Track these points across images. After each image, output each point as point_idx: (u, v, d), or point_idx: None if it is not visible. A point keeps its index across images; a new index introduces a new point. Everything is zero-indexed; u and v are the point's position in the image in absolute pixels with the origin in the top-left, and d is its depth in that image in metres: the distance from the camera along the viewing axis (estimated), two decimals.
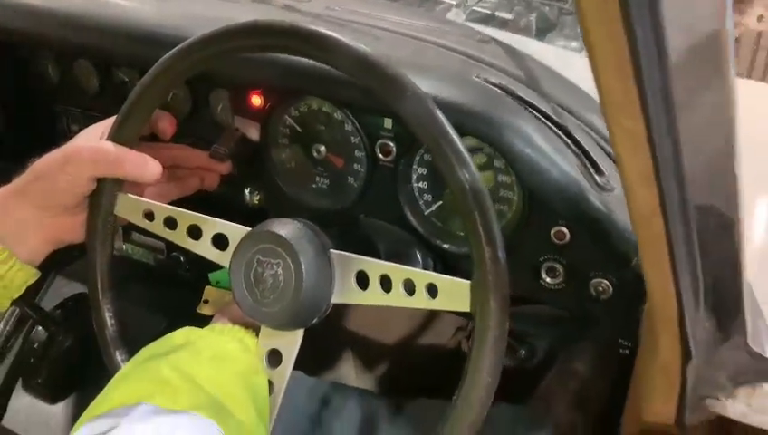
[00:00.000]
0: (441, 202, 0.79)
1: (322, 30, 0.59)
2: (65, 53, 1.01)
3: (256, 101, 0.84)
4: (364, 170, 0.82)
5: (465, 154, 0.56)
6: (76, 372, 1.04)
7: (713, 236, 0.43)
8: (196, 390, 0.60)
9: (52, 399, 1.02)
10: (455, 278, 0.59)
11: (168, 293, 1.12)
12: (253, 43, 0.63)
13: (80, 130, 1.06)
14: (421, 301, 0.61)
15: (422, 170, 0.79)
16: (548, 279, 0.75)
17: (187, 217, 0.73)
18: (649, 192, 0.40)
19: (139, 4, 0.97)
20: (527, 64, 0.86)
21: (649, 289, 0.47)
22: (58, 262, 1.11)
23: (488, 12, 1.27)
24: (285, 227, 0.67)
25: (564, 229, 0.72)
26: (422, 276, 0.61)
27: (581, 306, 0.75)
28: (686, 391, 0.49)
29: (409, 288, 0.62)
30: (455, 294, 0.59)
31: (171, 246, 1.11)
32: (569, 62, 0.91)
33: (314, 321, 0.68)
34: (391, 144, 0.78)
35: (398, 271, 0.63)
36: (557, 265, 0.74)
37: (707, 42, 0.36)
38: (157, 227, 0.74)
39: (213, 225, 0.72)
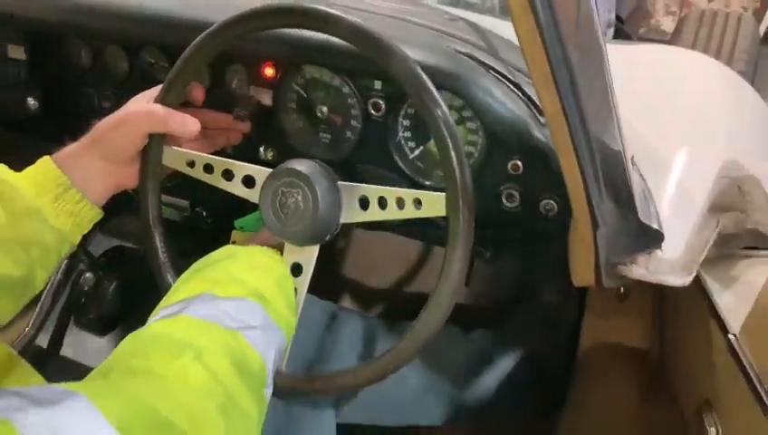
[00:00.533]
0: (422, 148, 0.99)
1: (331, 9, 0.79)
2: (97, 40, 1.19)
3: (269, 72, 1.03)
4: (359, 125, 1.01)
5: (439, 98, 0.76)
6: (119, 310, 1.22)
7: (603, 145, 0.63)
8: (243, 284, 0.79)
9: (101, 332, 1.21)
10: (433, 192, 0.79)
11: (194, 243, 1.31)
12: (278, 21, 0.82)
13: (111, 108, 1.25)
14: (410, 212, 0.81)
15: (406, 122, 0.99)
16: (507, 204, 0.95)
17: (221, 163, 0.92)
18: (561, 119, 0.59)
19: None
20: (488, 37, 1.06)
21: (567, 183, 0.67)
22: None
23: None
24: (303, 164, 0.87)
25: (518, 162, 0.92)
26: (410, 194, 0.81)
27: (534, 223, 0.96)
28: (599, 257, 0.69)
29: (400, 204, 0.82)
30: (434, 203, 0.79)
31: (193, 203, 1.31)
32: None
33: (327, 238, 0.88)
34: (381, 102, 0.97)
35: (391, 192, 0.83)
36: (514, 192, 0.95)
37: (585, 22, 0.56)
38: (197, 172, 0.93)
39: (242, 168, 0.92)
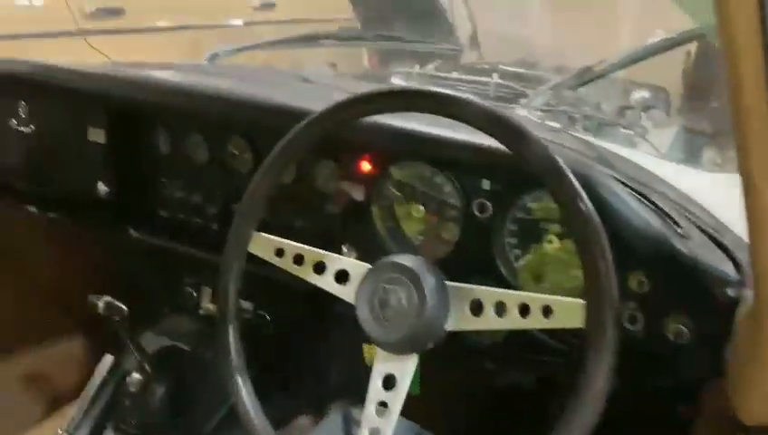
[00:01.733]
0: (530, 254, 0.90)
1: (454, 93, 0.73)
2: (182, 124, 1.15)
3: (365, 166, 0.97)
4: (459, 227, 0.93)
5: (581, 189, 0.67)
6: (166, 419, 1.09)
7: None
8: None
9: None
10: (567, 298, 0.69)
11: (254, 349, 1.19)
12: (395, 103, 0.76)
13: (182, 199, 1.20)
14: (535, 322, 0.70)
15: (514, 227, 0.90)
16: (628, 326, 0.84)
17: (314, 254, 0.84)
18: None
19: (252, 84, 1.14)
20: (596, 148, 1.00)
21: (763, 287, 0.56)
22: (150, 318, 1.20)
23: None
24: (409, 259, 0.78)
25: (643, 278, 0.82)
26: (537, 299, 0.71)
27: (655, 349, 0.83)
28: None
29: (524, 311, 0.71)
30: (570, 312, 0.68)
31: (258, 306, 1.21)
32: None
33: (429, 346, 0.77)
34: (488, 203, 0.90)
35: (513, 296, 0.72)
36: (636, 313, 0.83)
37: None
38: (285, 262, 0.85)
39: (337, 261, 0.83)
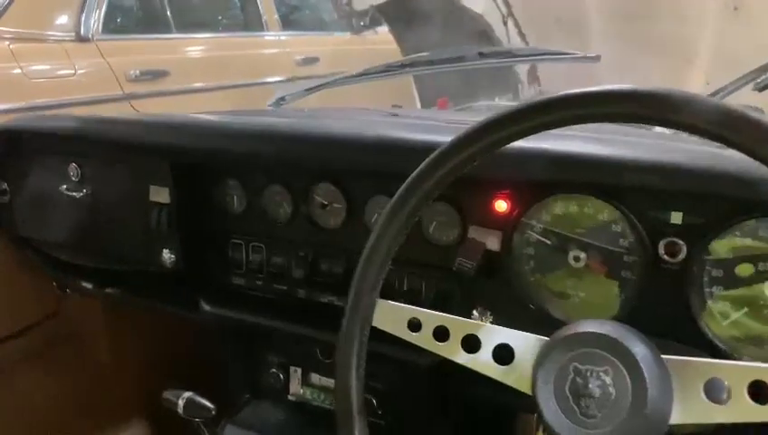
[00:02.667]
0: (746, 308, 0.67)
1: (665, 88, 0.52)
2: (258, 177, 0.97)
3: (500, 206, 0.77)
4: (638, 277, 0.71)
5: None
6: None
7: None
8: None
9: None
10: None
11: None
12: (586, 112, 0.55)
13: (260, 263, 1.01)
14: None
15: (718, 272, 0.68)
16: None
17: (461, 325, 0.63)
18: None
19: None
20: None
21: None
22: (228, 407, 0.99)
23: None
24: (605, 327, 0.56)
25: None
26: None
27: None
28: None
29: None
30: None
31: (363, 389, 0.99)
32: None
33: None
34: (681, 242, 0.68)
35: None
36: None
37: None
38: (424, 339, 0.63)
39: (492, 333, 0.61)
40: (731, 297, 0.68)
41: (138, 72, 2.63)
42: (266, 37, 3.50)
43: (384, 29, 4.19)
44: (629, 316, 0.72)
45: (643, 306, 0.71)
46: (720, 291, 0.68)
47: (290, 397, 1.02)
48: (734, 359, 0.68)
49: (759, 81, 0.80)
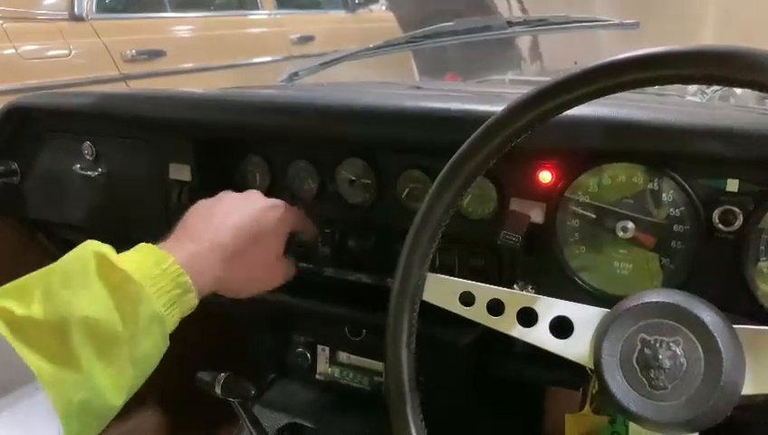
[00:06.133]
0: None
1: (745, 47, 0.50)
2: (284, 150, 0.94)
3: (545, 177, 0.75)
4: (688, 247, 0.70)
5: None
6: None
7: None
8: None
9: None
10: None
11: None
12: (656, 74, 0.52)
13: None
14: None
15: None
16: None
17: (517, 298, 0.61)
18: None
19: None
20: None
21: None
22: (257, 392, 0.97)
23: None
24: (674, 296, 0.54)
25: None
26: None
27: None
28: None
29: None
30: None
31: None
32: None
33: (720, 419, 0.53)
34: (737, 210, 0.66)
35: None
36: None
37: None
38: (477, 312, 0.62)
39: (550, 306, 0.60)
40: None
41: (134, 51, 2.59)
42: (261, 16, 3.44)
43: (379, 7, 4.14)
44: (680, 288, 0.70)
45: (696, 278, 0.70)
46: None
47: (317, 376, 1.00)
48: None
49: None
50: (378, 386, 0.97)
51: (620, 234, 0.72)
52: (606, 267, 0.75)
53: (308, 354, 1.00)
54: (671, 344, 0.53)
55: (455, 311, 0.62)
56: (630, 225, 0.72)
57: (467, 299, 0.62)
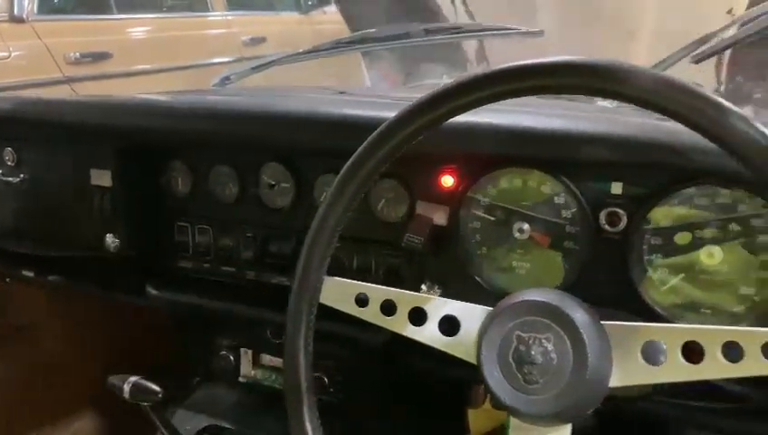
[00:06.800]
0: (683, 275, 0.69)
1: (608, 60, 0.53)
2: (204, 157, 0.95)
3: (447, 181, 0.78)
4: (580, 247, 0.73)
5: None
6: None
7: None
8: None
9: None
10: None
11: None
12: (527, 84, 0.55)
13: (207, 245, 0.99)
14: (755, 367, 0.50)
15: (656, 240, 0.70)
16: None
17: (408, 299, 0.63)
18: None
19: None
20: None
21: None
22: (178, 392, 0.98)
23: None
24: (548, 295, 0.57)
25: None
26: (755, 335, 0.50)
27: None
28: None
29: (733, 353, 0.51)
30: None
31: (313, 366, 0.99)
32: None
33: (590, 411, 0.56)
34: (621, 212, 0.70)
35: (715, 334, 0.52)
36: None
37: None
38: (371, 313, 0.64)
39: (438, 305, 0.62)
40: (669, 265, 0.70)
41: (78, 54, 2.55)
42: (212, 17, 3.43)
43: (332, 8, 4.15)
44: (574, 286, 0.74)
45: (587, 276, 0.73)
46: (659, 259, 0.70)
47: (241, 379, 1.01)
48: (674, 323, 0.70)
49: (696, 53, 0.82)
50: None
51: (517, 235, 0.76)
52: (505, 267, 0.78)
53: (231, 357, 1.01)
54: (543, 341, 0.55)
55: (350, 312, 0.64)
56: (526, 226, 0.75)
57: (362, 300, 0.64)
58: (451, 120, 0.59)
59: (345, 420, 0.93)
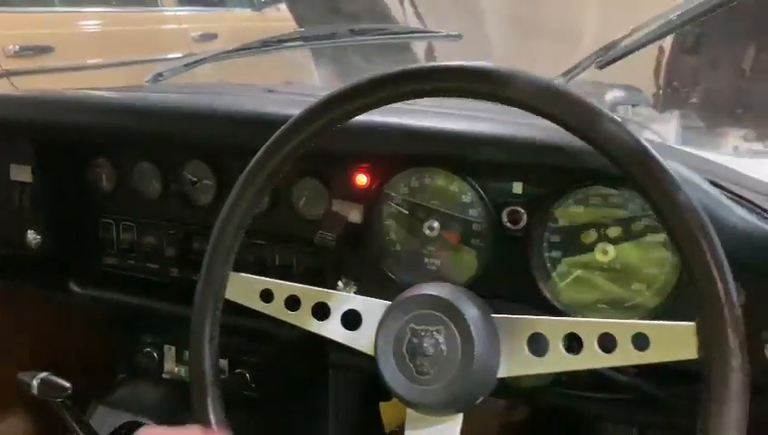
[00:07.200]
0: (580, 271, 0.73)
1: (495, 65, 0.56)
2: (127, 154, 0.95)
3: (361, 180, 0.79)
4: (486, 244, 0.76)
5: (677, 177, 0.50)
6: None
7: None
8: None
9: None
10: (670, 322, 0.52)
11: (234, 416, 0.98)
12: (409, 89, 0.57)
13: (131, 243, 0.99)
14: (626, 356, 0.53)
15: (556, 238, 0.73)
16: None
17: (311, 293, 0.65)
18: None
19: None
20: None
21: None
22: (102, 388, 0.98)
23: None
24: (442, 289, 0.60)
25: (739, 289, 0.66)
26: (625, 327, 0.53)
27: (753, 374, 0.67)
28: None
29: (606, 344, 0.54)
30: (674, 339, 0.51)
31: (234, 363, 1.00)
32: None
33: (479, 400, 0.59)
34: (522, 211, 0.73)
35: (590, 326, 0.55)
36: None
37: None
38: (276, 308, 0.65)
39: (342, 300, 0.64)
40: (567, 261, 0.73)
41: (17, 47, 2.49)
42: (161, 12, 3.38)
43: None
44: (482, 282, 0.76)
45: (494, 272, 0.76)
46: (558, 256, 0.73)
47: (165, 375, 1.01)
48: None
49: (600, 59, 0.86)
50: (223, 382, 0.99)
51: (428, 232, 0.78)
52: (417, 263, 0.80)
53: (155, 354, 1.02)
54: (434, 333, 0.58)
55: (255, 308, 0.65)
56: (436, 224, 0.77)
57: (267, 296, 0.65)
58: (362, 119, 0.62)
59: (267, 415, 0.94)
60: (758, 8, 1.80)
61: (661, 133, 1.32)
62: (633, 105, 1.75)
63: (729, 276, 0.49)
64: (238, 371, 0.98)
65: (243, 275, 0.66)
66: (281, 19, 3.83)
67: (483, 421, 1.14)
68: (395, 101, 0.58)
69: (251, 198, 0.64)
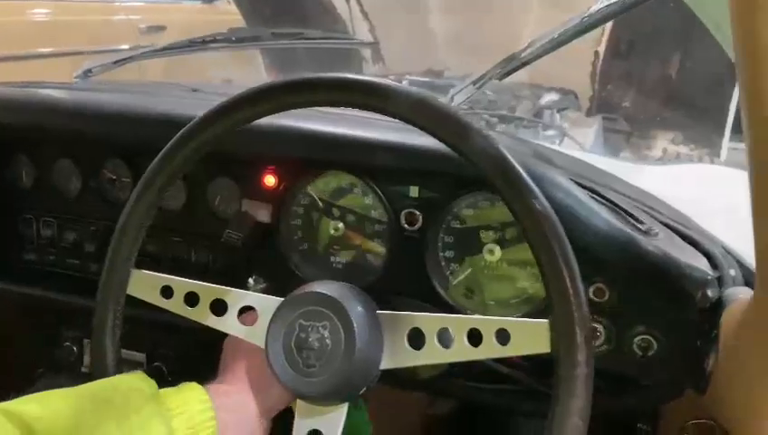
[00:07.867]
0: (470, 270, 0.77)
1: (377, 79, 0.59)
2: (49, 149, 0.96)
3: (269, 180, 0.82)
4: (387, 245, 0.80)
5: (534, 186, 0.55)
6: None
7: None
8: None
9: None
10: (527, 320, 0.56)
11: None
12: (299, 98, 0.61)
13: (52, 238, 1.00)
14: (490, 350, 0.57)
15: (449, 238, 0.78)
16: None
17: (209, 290, 0.68)
18: None
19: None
20: (533, 145, 0.90)
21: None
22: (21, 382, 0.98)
23: None
24: (330, 287, 0.63)
25: (603, 286, 0.71)
26: (490, 323, 0.58)
27: (623, 367, 0.73)
28: None
29: (474, 339, 0.58)
30: (531, 335, 0.55)
31: (152, 356, 1.02)
32: None
33: (362, 391, 0.62)
34: (417, 213, 0.77)
35: (460, 322, 0.59)
36: (596, 326, 0.72)
37: None
38: (175, 304, 0.68)
39: (239, 297, 0.67)
40: (459, 261, 0.78)
41: None
42: (106, 2, 3.33)
43: None
44: (384, 280, 0.80)
45: (395, 270, 0.80)
46: (452, 255, 0.78)
47: (84, 369, 1.03)
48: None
49: (499, 71, 0.91)
50: None
51: (333, 232, 0.82)
52: (324, 263, 0.84)
53: (75, 348, 1.03)
54: (320, 328, 0.61)
55: (156, 303, 0.68)
56: (341, 224, 0.81)
57: (167, 292, 0.68)
58: (267, 122, 0.65)
59: None
60: (681, 19, 1.89)
61: (577, 138, 1.39)
62: (561, 109, 1.81)
63: (578, 277, 0.53)
64: (156, 364, 1.00)
65: (144, 272, 0.68)
66: (233, 12, 3.80)
67: (406, 415, 1.19)
68: (285, 110, 0.61)
69: (151, 199, 0.67)
